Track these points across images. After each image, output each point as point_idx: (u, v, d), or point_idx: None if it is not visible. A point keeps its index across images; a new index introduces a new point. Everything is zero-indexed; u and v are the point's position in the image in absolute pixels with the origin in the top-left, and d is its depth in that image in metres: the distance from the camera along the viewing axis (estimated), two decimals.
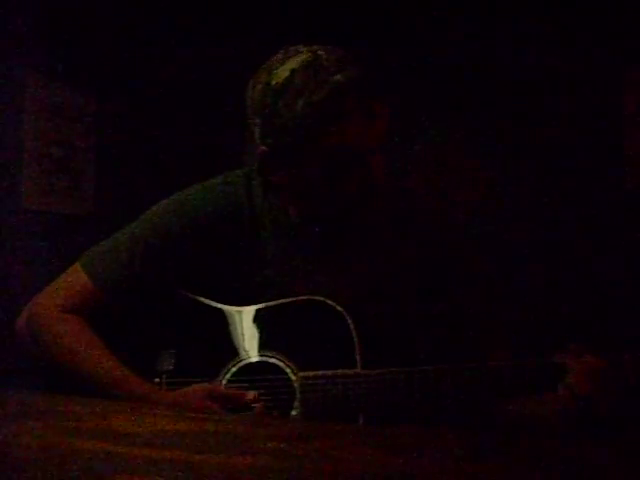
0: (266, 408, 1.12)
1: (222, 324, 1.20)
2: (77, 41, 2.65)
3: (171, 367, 1.18)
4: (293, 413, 1.12)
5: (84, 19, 2.68)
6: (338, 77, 1.06)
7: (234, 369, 1.17)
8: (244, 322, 1.20)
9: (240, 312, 1.20)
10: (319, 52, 1.10)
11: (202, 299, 1.22)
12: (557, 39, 2.61)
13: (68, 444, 0.67)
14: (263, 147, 1.14)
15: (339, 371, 1.11)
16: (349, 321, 1.13)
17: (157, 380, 1.18)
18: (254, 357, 1.17)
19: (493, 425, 1.17)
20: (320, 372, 1.11)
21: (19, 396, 1.09)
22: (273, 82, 1.09)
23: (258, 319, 1.19)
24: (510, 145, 2.72)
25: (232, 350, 1.18)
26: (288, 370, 1.14)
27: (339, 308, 1.14)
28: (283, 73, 1.09)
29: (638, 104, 2.53)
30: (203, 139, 2.99)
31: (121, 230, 1.25)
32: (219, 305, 1.21)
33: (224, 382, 1.16)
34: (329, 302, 1.15)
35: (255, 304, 1.20)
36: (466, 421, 1.16)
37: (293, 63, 1.09)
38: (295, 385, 1.13)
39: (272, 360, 1.16)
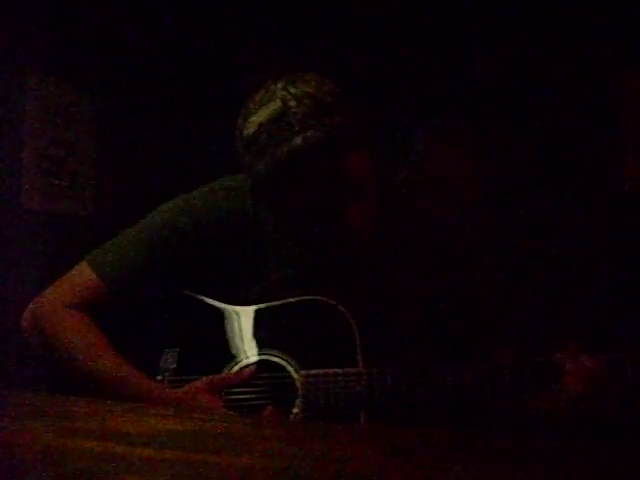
0: (268, 406, 1.12)
1: (225, 323, 1.21)
2: (77, 41, 2.65)
3: (174, 365, 1.19)
4: (295, 411, 1.12)
5: (84, 19, 2.68)
6: (298, 140, 1.04)
7: (236, 368, 1.18)
8: (247, 321, 1.21)
9: (243, 311, 1.21)
10: (289, 103, 1.07)
11: (206, 299, 1.23)
12: (557, 39, 2.61)
13: (68, 444, 0.67)
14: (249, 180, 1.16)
15: (341, 370, 1.12)
16: (351, 320, 1.14)
17: (159, 378, 1.19)
18: (256, 355, 1.18)
19: (493, 425, 1.17)
20: (322, 371, 1.12)
21: (19, 396, 1.09)
22: (244, 133, 1.10)
23: (261, 318, 1.20)
24: (510, 145, 2.72)
25: (235, 349, 1.19)
26: (290, 368, 1.15)
27: (341, 307, 1.15)
28: (252, 127, 1.09)
29: (638, 104, 2.53)
30: (203, 139, 2.99)
31: (128, 229, 1.27)
32: (222, 305, 1.22)
33: None
34: (332, 302, 1.16)
35: (257, 304, 1.21)
36: (466, 421, 1.16)
37: (262, 115, 1.08)
38: (297, 383, 1.13)
39: (274, 358, 1.17)
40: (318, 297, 1.17)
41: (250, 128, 1.09)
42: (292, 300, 1.19)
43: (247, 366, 1.18)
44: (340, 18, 2.83)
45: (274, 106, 1.07)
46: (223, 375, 1.16)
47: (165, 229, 1.24)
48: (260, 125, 1.07)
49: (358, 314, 1.15)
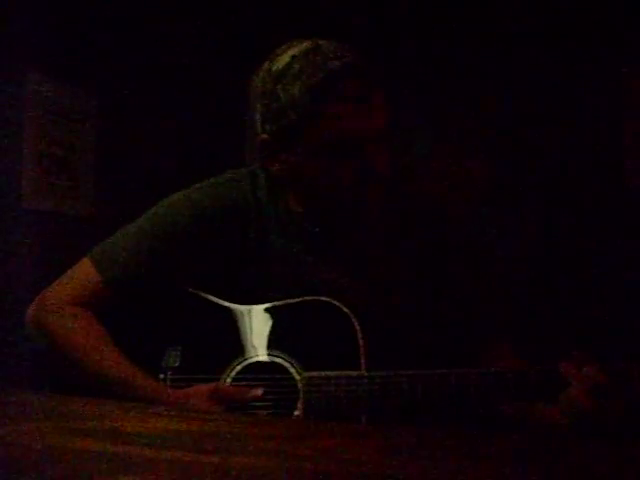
0: (269, 408, 1.12)
1: (228, 322, 1.21)
2: (77, 41, 2.64)
3: (177, 364, 1.19)
4: (296, 413, 1.12)
5: (84, 19, 2.68)
6: (335, 62, 1.09)
7: (239, 367, 1.17)
8: (249, 321, 1.20)
9: (246, 311, 1.21)
10: (320, 42, 1.13)
11: (209, 297, 1.23)
12: (557, 39, 2.61)
13: (68, 444, 0.67)
14: (263, 135, 1.16)
15: (343, 372, 1.11)
16: (354, 322, 1.13)
17: (162, 376, 1.18)
18: (259, 356, 1.18)
19: (494, 428, 1.17)
20: (324, 373, 1.12)
21: (19, 396, 1.09)
22: (274, 68, 1.13)
23: (264, 318, 1.20)
24: (509, 145, 2.72)
25: (237, 348, 1.19)
26: (292, 370, 1.14)
27: (345, 309, 1.14)
28: (284, 59, 1.12)
29: (638, 104, 2.53)
30: (204, 139, 2.99)
31: (129, 225, 1.26)
32: (225, 303, 1.22)
33: (228, 380, 1.17)
34: (335, 303, 1.15)
35: (260, 302, 1.20)
36: (467, 424, 1.16)
37: (294, 50, 1.12)
38: (299, 385, 1.13)
39: (277, 360, 1.16)
40: (322, 298, 1.17)
41: (281, 62, 1.12)
42: (295, 300, 1.19)
43: (250, 365, 1.17)
44: (340, 19, 2.83)
45: (305, 44, 1.13)
46: (232, 388, 1.15)
47: (167, 224, 1.23)
48: (293, 57, 1.11)
49: (360, 313, 1.15)
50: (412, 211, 1.27)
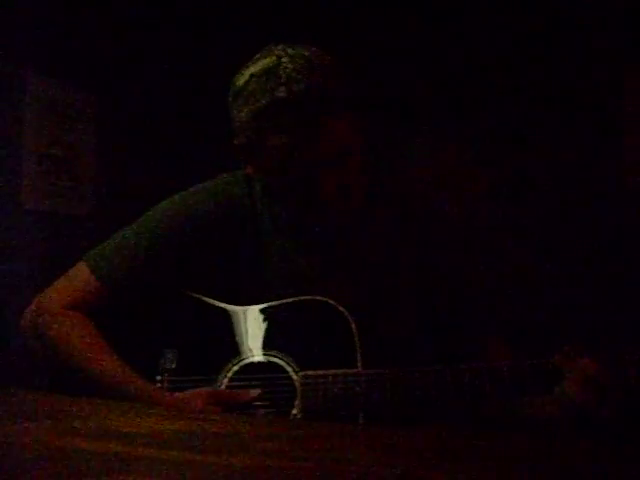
0: (267, 407, 1.12)
1: (224, 323, 1.21)
2: (77, 40, 2.64)
3: (173, 366, 1.19)
4: (294, 412, 1.12)
5: (84, 18, 2.68)
6: (281, 90, 1.07)
7: (236, 368, 1.18)
8: (246, 321, 1.20)
9: (242, 311, 1.21)
10: (283, 59, 1.10)
11: (204, 298, 1.23)
12: (557, 39, 2.61)
13: (68, 444, 0.67)
14: (235, 141, 1.17)
15: (340, 371, 1.11)
16: (351, 321, 1.14)
17: (159, 378, 1.18)
18: (256, 356, 1.18)
19: (492, 425, 1.17)
20: (321, 371, 1.12)
21: (19, 396, 1.09)
22: (236, 84, 1.13)
23: (260, 318, 1.20)
24: (509, 145, 2.72)
25: (234, 349, 1.19)
26: (289, 369, 1.15)
27: (341, 308, 1.15)
28: (244, 77, 1.12)
29: (638, 104, 2.53)
30: (203, 139, 2.99)
31: (125, 228, 1.26)
32: (221, 304, 1.22)
33: (225, 381, 1.17)
34: (331, 302, 1.16)
35: (256, 303, 1.21)
36: (465, 421, 1.16)
37: (255, 67, 1.11)
38: (296, 384, 1.13)
39: (273, 359, 1.16)
40: (318, 297, 1.17)
41: (242, 79, 1.12)
42: (291, 300, 1.19)
43: (248, 365, 1.17)
44: (339, 19, 2.83)
45: (268, 60, 1.11)
46: (227, 391, 1.15)
47: (163, 227, 1.23)
48: (251, 76, 1.11)
49: (357, 312, 1.15)
50: (410, 212, 1.27)
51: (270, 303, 1.20)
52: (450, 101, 2.78)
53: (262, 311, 1.20)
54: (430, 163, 2.80)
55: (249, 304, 1.21)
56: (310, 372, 1.12)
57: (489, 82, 2.72)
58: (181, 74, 2.98)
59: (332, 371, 1.11)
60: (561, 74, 2.62)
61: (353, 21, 2.84)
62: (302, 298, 1.18)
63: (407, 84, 2.75)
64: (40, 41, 2.47)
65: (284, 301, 1.19)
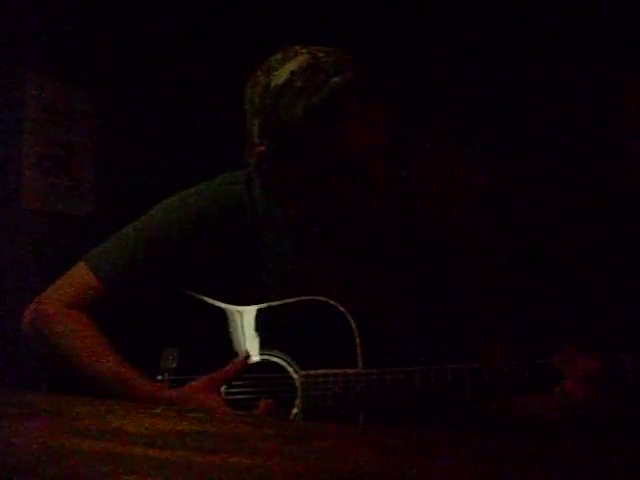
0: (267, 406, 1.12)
1: (225, 323, 1.21)
2: (77, 41, 2.64)
3: (174, 365, 1.19)
4: (294, 411, 1.12)
5: (84, 19, 2.68)
6: (336, 79, 1.07)
7: None
8: (247, 321, 1.20)
9: (243, 311, 1.21)
10: (318, 54, 1.11)
11: (205, 298, 1.23)
12: (557, 40, 2.61)
13: (68, 444, 0.67)
14: (261, 148, 1.15)
15: (340, 370, 1.11)
16: (351, 321, 1.14)
17: (159, 378, 1.19)
18: (256, 356, 1.18)
19: (493, 425, 1.17)
20: (321, 371, 1.12)
21: (19, 396, 1.09)
22: (272, 83, 1.10)
23: (261, 318, 1.20)
24: (509, 145, 2.72)
25: (235, 349, 1.19)
26: (290, 369, 1.15)
27: (341, 308, 1.15)
28: (283, 75, 1.10)
29: (638, 104, 2.53)
30: (204, 139, 2.99)
31: (125, 227, 1.27)
32: (222, 304, 1.22)
33: None
34: (332, 302, 1.16)
35: (256, 303, 1.21)
36: (465, 421, 1.16)
37: (292, 65, 1.10)
38: (297, 383, 1.13)
39: (274, 359, 1.17)
40: (318, 297, 1.17)
41: (280, 78, 1.10)
42: (292, 300, 1.19)
43: (248, 365, 1.17)
44: (338, 21, 2.83)
45: (302, 58, 1.11)
46: (219, 371, 1.15)
47: (163, 227, 1.23)
48: (292, 73, 1.09)
49: (357, 312, 1.15)
50: (410, 212, 1.27)
51: (270, 303, 1.20)
52: (450, 101, 2.78)
53: (262, 311, 1.20)
54: (430, 163, 2.80)
55: (249, 304, 1.21)
56: (311, 372, 1.13)
57: (489, 82, 2.72)
58: (181, 74, 2.98)
59: (332, 371, 1.12)
60: (561, 75, 2.62)
61: (353, 21, 2.84)
62: (302, 298, 1.18)
63: (407, 84, 2.75)
64: (40, 41, 2.47)
65: (284, 301, 1.19)
